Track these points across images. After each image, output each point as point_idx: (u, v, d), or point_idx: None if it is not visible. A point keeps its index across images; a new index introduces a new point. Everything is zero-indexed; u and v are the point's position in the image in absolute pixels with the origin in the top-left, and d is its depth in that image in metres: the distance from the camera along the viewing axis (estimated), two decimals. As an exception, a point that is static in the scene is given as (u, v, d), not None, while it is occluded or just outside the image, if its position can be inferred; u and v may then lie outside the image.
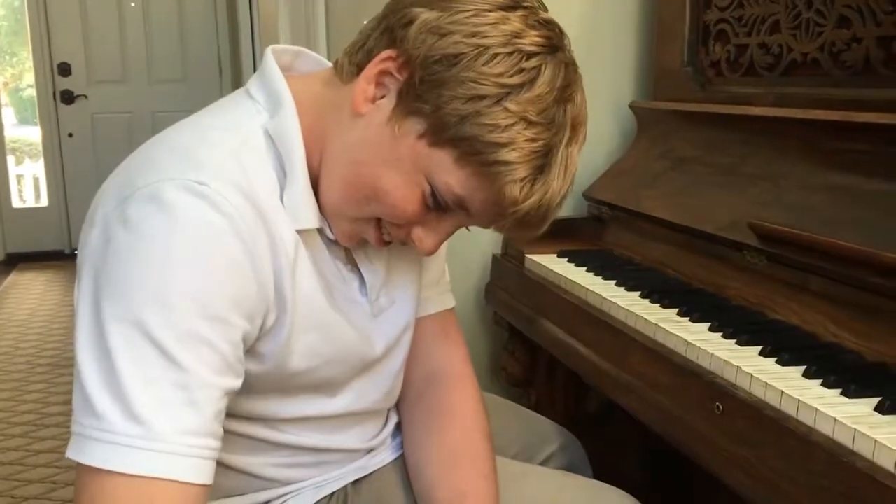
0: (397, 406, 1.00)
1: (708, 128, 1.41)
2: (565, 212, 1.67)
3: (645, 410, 1.08)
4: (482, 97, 0.69)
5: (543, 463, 1.14)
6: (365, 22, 0.79)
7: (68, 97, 5.05)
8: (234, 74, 4.79)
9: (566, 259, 1.45)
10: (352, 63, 0.77)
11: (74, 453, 0.66)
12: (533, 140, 0.71)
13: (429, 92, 0.70)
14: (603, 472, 1.22)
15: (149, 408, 0.64)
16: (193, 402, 0.66)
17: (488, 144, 0.70)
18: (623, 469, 1.42)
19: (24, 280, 4.83)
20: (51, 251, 5.18)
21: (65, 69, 5.01)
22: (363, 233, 0.79)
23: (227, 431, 0.73)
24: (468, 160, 0.71)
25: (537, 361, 1.56)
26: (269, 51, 0.81)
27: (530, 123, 0.70)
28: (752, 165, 1.28)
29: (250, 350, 0.75)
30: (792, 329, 1.05)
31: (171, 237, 0.66)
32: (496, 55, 0.70)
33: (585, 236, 1.58)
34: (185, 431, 0.65)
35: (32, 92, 5.31)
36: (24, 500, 2.23)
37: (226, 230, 0.68)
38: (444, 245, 0.94)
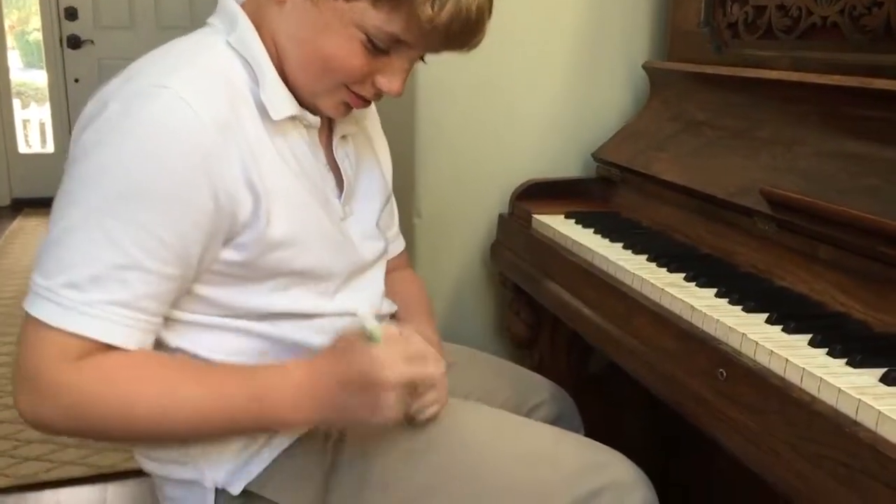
0: None
1: (722, 90, 1.39)
2: (574, 172, 1.67)
3: (648, 374, 1.08)
4: None
5: (533, 410, 1.16)
6: None
7: (75, 42, 4.99)
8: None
9: (573, 220, 1.44)
10: None
11: (27, 304, 0.78)
12: None
13: None
14: (604, 433, 1.23)
15: (86, 279, 0.76)
16: (125, 280, 0.76)
17: None
18: (624, 430, 1.43)
19: (30, 225, 4.84)
20: (57, 197, 5.18)
21: (71, 13, 4.95)
22: (342, 102, 0.88)
23: (226, 330, 0.87)
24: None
25: (541, 322, 1.56)
26: None
27: None
28: (766, 130, 1.26)
29: (233, 242, 0.83)
30: (800, 297, 1.04)
31: (134, 132, 0.75)
32: None
33: (594, 198, 1.57)
34: (113, 302, 0.76)
35: (38, 35, 5.27)
36: (28, 443, 2.26)
37: (183, 131, 0.76)
38: (393, 201, 1.10)
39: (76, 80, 5.08)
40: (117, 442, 0.82)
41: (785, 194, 1.09)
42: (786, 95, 1.24)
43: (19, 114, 5.57)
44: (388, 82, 0.86)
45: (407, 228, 1.68)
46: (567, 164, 1.66)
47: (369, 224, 0.99)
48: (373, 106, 0.98)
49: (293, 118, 0.87)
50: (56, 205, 0.79)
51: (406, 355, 0.81)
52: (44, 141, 5.88)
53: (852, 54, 1.15)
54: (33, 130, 6.16)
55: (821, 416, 0.79)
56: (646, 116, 1.56)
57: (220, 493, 0.90)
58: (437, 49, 0.85)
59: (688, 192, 1.31)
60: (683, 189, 1.32)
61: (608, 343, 1.19)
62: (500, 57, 1.59)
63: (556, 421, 1.17)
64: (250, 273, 0.85)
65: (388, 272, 1.06)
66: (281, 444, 0.89)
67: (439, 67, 1.58)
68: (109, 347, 0.78)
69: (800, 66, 1.24)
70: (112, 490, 2.01)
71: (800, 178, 1.13)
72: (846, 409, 0.78)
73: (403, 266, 1.18)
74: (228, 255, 0.84)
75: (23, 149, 5.46)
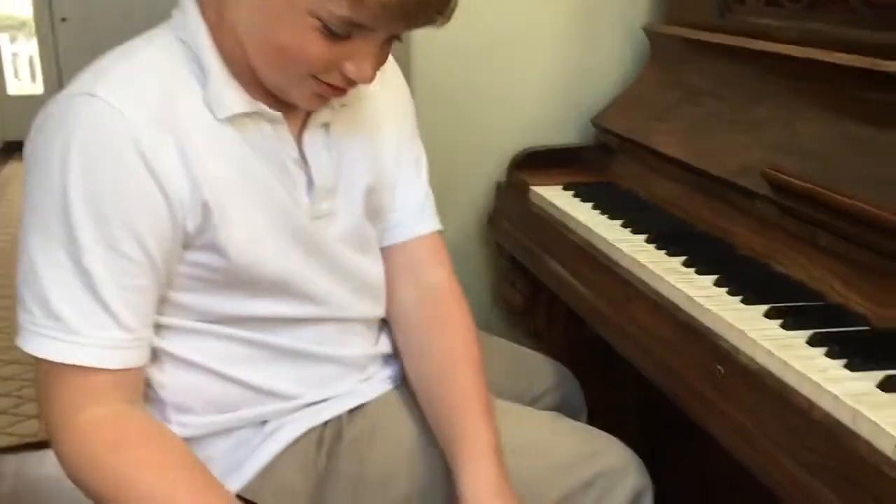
0: (391, 325, 1.02)
1: (725, 60, 1.35)
2: (574, 137, 1.64)
3: (645, 361, 1.08)
4: None
5: (537, 399, 1.16)
6: None
7: (60, -21, 4.86)
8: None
9: (572, 193, 1.42)
10: None
11: (19, 341, 0.78)
12: None
13: None
14: (599, 404, 1.24)
15: (65, 307, 0.75)
16: (102, 301, 0.76)
17: None
18: (618, 402, 1.45)
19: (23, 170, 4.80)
20: (49, 140, 5.12)
21: (55, -52, 4.81)
22: (314, 93, 0.82)
23: (207, 334, 0.86)
24: None
25: (538, 292, 1.55)
26: None
27: None
28: (769, 105, 1.23)
29: (192, 246, 0.81)
30: (798, 286, 1.03)
31: (67, 150, 0.74)
32: None
33: (592, 166, 1.55)
34: (96, 326, 0.76)
35: (20, -35, 5.12)
36: (31, 400, 2.28)
37: (114, 130, 0.74)
38: (425, 167, 1.03)
39: (63, 20, 4.97)
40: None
41: (787, 179, 1.07)
42: (790, 70, 1.21)
43: (7, 48, 5.45)
44: (356, 69, 0.79)
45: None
46: (566, 128, 1.63)
47: (351, 220, 0.93)
48: (376, 82, 0.86)
49: (249, 114, 0.82)
50: (23, 222, 0.78)
51: None
52: (33, 76, 5.77)
53: (861, 31, 1.12)
54: (23, 65, 6.05)
55: (818, 424, 0.79)
56: (645, 81, 1.53)
57: None
58: (399, 29, 0.80)
59: (687, 168, 1.29)
60: (683, 164, 1.29)
61: (605, 325, 1.19)
62: (497, 20, 1.56)
63: (560, 405, 1.17)
64: (221, 278, 0.83)
65: (413, 273, 1.00)
66: (273, 448, 0.89)
67: (433, 33, 1.54)
68: (116, 377, 0.78)
69: (806, 39, 1.20)
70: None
71: (802, 159, 1.11)
72: (844, 417, 0.78)
73: (434, 264, 1.02)
74: (192, 259, 0.82)
75: (12, 90, 5.37)
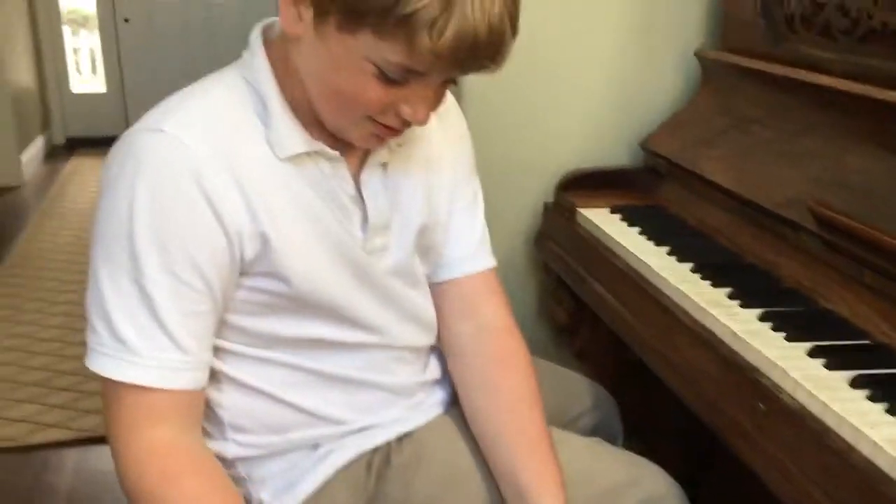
0: (448, 361, 1.04)
1: (776, 89, 1.36)
2: (622, 160, 1.66)
3: (687, 392, 1.10)
4: None
5: (575, 419, 1.18)
6: None
7: (124, -20, 5.00)
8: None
9: (619, 216, 1.44)
10: None
11: (87, 361, 0.83)
12: None
13: None
14: (639, 427, 1.25)
15: (129, 329, 0.80)
16: (163, 326, 0.80)
17: (385, 8, 0.73)
18: (660, 427, 1.46)
19: (86, 165, 4.94)
20: (110, 136, 5.26)
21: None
22: (372, 133, 0.85)
23: (262, 360, 0.90)
24: (383, 29, 0.75)
25: (583, 311, 1.57)
26: (260, 23, 0.90)
27: None
28: (818, 137, 1.24)
29: (250, 271, 0.85)
30: (842, 323, 1.04)
31: (134, 181, 0.78)
32: None
33: (640, 189, 1.56)
34: (158, 348, 0.80)
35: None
36: (91, 394, 2.36)
37: (177, 164, 0.79)
38: (482, 204, 1.06)
39: (126, 20, 5.11)
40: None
41: (832, 215, 1.08)
42: (840, 103, 1.21)
43: (69, 41, 5.58)
44: (411, 111, 0.82)
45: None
46: (615, 151, 1.65)
47: (402, 255, 0.95)
48: (434, 123, 0.90)
49: (309, 153, 0.86)
50: (92, 249, 0.83)
51: None
52: (94, 70, 5.92)
53: (912, 67, 1.12)
54: (84, 59, 6.21)
55: (856, 468, 0.80)
56: (696, 107, 1.54)
57: None
58: (454, 74, 0.81)
59: (734, 196, 1.30)
60: (730, 192, 1.31)
61: (647, 351, 1.21)
62: (548, 41, 1.57)
63: (598, 427, 1.19)
64: (278, 302, 0.87)
65: (470, 308, 1.03)
66: (325, 471, 0.93)
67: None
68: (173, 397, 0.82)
69: (858, 72, 1.20)
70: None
71: (849, 194, 1.11)
72: (882, 464, 0.79)
73: (491, 299, 1.04)
74: (250, 284, 0.86)
75: (76, 88, 5.52)
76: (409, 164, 0.95)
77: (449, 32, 0.73)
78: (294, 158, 0.85)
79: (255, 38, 0.88)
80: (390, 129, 0.85)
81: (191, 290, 0.81)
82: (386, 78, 0.78)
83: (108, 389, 0.83)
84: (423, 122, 0.84)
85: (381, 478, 0.93)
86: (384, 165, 0.93)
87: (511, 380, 1.00)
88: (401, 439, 0.98)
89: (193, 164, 0.79)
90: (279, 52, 0.85)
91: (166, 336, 0.80)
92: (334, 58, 0.79)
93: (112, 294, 0.80)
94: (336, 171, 0.88)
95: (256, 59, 0.86)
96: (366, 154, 0.91)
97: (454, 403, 1.03)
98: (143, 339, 0.80)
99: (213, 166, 0.80)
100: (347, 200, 0.90)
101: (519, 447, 0.95)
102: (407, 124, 0.84)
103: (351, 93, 0.80)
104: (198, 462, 0.85)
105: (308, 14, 0.78)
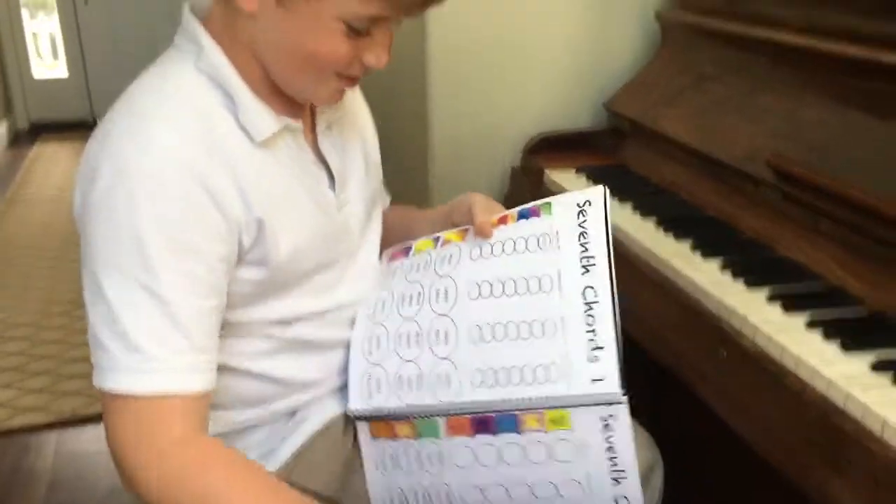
0: None
1: (733, 47, 1.39)
2: (587, 121, 1.68)
3: (651, 342, 1.13)
4: None
5: None
6: None
7: (81, -40, 4.93)
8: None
9: (584, 175, 1.46)
10: None
11: (95, 381, 0.80)
12: None
13: None
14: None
15: (143, 337, 0.78)
16: (180, 326, 0.79)
17: None
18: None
19: (49, 150, 4.89)
20: (74, 121, 5.20)
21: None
22: (337, 88, 0.89)
23: (234, 335, 0.89)
24: None
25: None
26: (185, 6, 0.89)
27: None
28: (775, 92, 1.27)
29: (242, 261, 0.85)
30: (799, 269, 1.07)
31: (133, 194, 0.77)
32: None
33: (605, 150, 1.59)
34: (176, 351, 0.79)
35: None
36: (69, 377, 2.36)
37: (171, 166, 0.78)
38: (377, 153, 1.08)
39: (85, 2, 5.03)
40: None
41: (789, 168, 1.11)
42: (796, 59, 1.24)
43: (28, 25, 5.47)
44: (375, 58, 0.85)
45: (421, 188, 1.71)
46: (580, 113, 1.67)
47: (364, 205, 1.00)
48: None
49: (275, 132, 0.87)
50: (86, 287, 0.81)
51: None
52: (55, 54, 5.83)
53: (867, 21, 1.14)
54: (44, 44, 6.11)
55: (812, 404, 0.84)
56: (656, 67, 1.56)
57: None
58: (415, 12, 0.85)
59: (694, 153, 1.33)
60: (690, 149, 1.33)
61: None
62: (510, 6, 1.59)
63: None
64: (254, 290, 0.87)
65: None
66: (303, 435, 0.95)
67: (449, 23, 1.59)
68: (195, 401, 0.81)
69: (812, 28, 1.23)
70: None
71: (806, 147, 1.15)
72: (836, 397, 0.83)
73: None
74: (242, 275, 0.86)
75: (37, 73, 5.44)
76: (345, 123, 0.99)
77: None
78: (265, 139, 0.86)
79: (196, 27, 0.87)
80: (353, 79, 0.88)
81: (202, 284, 0.80)
82: (353, 31, 0.82)
83: (118, 403, 0.79)
84: (384, 64, 0.87)
85: (357, 437, 0.96)
86: (330, 127, 0.96)
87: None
88: None
89: (189, 164, 0.79)
90: (221, 32, 0.85)
91: (184, 337, 0.79)
92: (303, 25, 0.81)
93: (123, 306, 0.78)
94: (297, 141, 0.90)
95: (205, 47, 0.85)
96: (312, 121, 0.94)
97: None
98: (160, 345, 0.78)
99: (205, 162, 0.80)
100: (312, 166, 0.92)
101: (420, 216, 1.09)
102: (367, 72, 0.88)
103: (324, 53, 0.83)
104: (216, 448, 0.83)
105: None
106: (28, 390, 2.32)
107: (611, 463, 0.83)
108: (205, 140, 0.81)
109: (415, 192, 1.74)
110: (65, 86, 5.31)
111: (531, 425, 0.84)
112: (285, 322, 0.92)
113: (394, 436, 0.91)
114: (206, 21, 0.87)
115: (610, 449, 0.83)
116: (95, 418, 2.19)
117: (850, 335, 0.90)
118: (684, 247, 1.16)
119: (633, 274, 1.18)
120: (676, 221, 1.22)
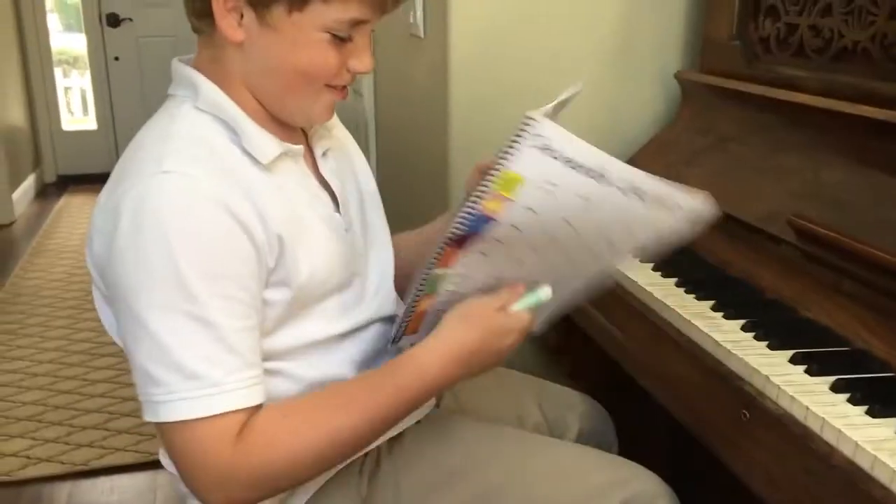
0: None
1: (752, 108, 1.39)
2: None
3: (673, 403, 1.12)
4: None
5: (567, 432, 1.20)
6: None
7: (114, 20, 5.06)
8: None
9: (604, 234, 1.46)
10: (199, 17, 0.88)
11: (150, 416, 0.83)
12: None
13: None
14: (632, 442, 1.27)
15: (200, 364, 0.80)
16: (230, 347, 0.82)
17: None
18: (651, 440, 1.47)
19: (76, 203, 4.97)
20: (101, 173, 5.28)
21: (110, -10, 5.02)
22: (328, 102, 0.92)
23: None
24: None
25: (572, 329, 1.59)
26: (173, 61, 0.94)
27: None
28: (795, 152, 1.27)
29: (269, 282, 0.87)
30: (824, 331, 1.06)
31: (164, 228, 0.79)
32: None
33: (625, 208, 1.59)
34: (231, 371, 0.82)
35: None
36: (83, 429, 2.36)
37: (197, 199, 0.81)
38: (372, 183, 1.09)
39: (116, 59, 5.16)
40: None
41: (810, 227, 1.11)
42: (815, 120, 1.24)
43: (60, 81, 5.63)
44: (360, 63, 0.89)
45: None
46: (599, 171, 1.67)
47: (361, 229, 1.02)
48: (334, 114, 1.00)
49: (279, 155, 0.90)
50: (126, 330, 0.83)
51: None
52: (85, 110, 5.97)
53: (882, 83, 1.16)
54: (75, 99, 6.26)
55: (838, 469, 0.82)
56: (676, 127, 1.57)
57: None
58: (389, 10, 0.89)
59: (716, 212, 1.32)
60: (712, 209, 1.33)
61: (634, 365, 1.22)
62: (531, 62, 1.61)
63: (591, 438, 1.21)
64: (278, 313, 0.89)
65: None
66: (319, 480, 0.94)
67: (470, 74, 1.61)
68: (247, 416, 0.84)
69: (830, 89, 1.24)
70: (163, 476, 2.06)
71: (827, 207, 1.14)
72: (862, 463, 0.81)
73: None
74: (269, 296, 0.88)
75: (66, 125, 5.56)
76: (337, 150, 1.03)
77: None
78: (272, 165, 0.89)
79: (189, 71, 0.90)
80: (342, 90, 0.92)
81: (241, 305, 0.83)
82: (337, 39, 0.86)
83: (180, 432, 0.82)
84: (370, 67, 0.91)
85: (372, 481, 0.95)
86: (326, 153, 0.99)
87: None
88: (391, 441, 1.00)
89: (213, 195, 0.81)
90: (213, 71, 0.89)
91: (235, 356, 0.82)
92: (290, 41, 0.85)
93: (172, 338, 0.80)
94: (299, 165, 0.94)
95: (201, 87, 0.88)
96: (309, 146, 0.98)
97: (439, 403, 1.06)
98: (216, 368, 0.81)
99: (227, 192, 0.83)
100: (316, 189, 0.95)
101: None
102: (353, 79, 0.92)
103: (313, 66, 0.87)
104: (270, 416, 0.85)
105: (249, 14, 0.84)
106: (43, 440, 2.31)
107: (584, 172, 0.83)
108: (221, 171, 0.84)
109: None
110: (93, 138, 5.41)
111: (492, 207, 0.85)
112: (307, 350, 0.93)
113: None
114: (195, 65, 0.91)
115: (568, 161, 0.82)
116: (108, 470, 2.19)
117: (877, 399, 0.88)
118: (705, 307, 1.15)
119: (654, 334, 1.17)
120: (698, 281, 1.21)
